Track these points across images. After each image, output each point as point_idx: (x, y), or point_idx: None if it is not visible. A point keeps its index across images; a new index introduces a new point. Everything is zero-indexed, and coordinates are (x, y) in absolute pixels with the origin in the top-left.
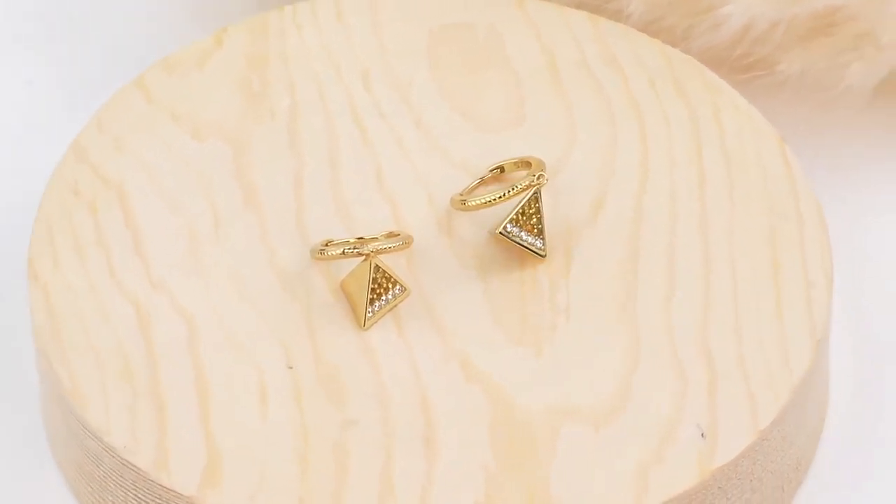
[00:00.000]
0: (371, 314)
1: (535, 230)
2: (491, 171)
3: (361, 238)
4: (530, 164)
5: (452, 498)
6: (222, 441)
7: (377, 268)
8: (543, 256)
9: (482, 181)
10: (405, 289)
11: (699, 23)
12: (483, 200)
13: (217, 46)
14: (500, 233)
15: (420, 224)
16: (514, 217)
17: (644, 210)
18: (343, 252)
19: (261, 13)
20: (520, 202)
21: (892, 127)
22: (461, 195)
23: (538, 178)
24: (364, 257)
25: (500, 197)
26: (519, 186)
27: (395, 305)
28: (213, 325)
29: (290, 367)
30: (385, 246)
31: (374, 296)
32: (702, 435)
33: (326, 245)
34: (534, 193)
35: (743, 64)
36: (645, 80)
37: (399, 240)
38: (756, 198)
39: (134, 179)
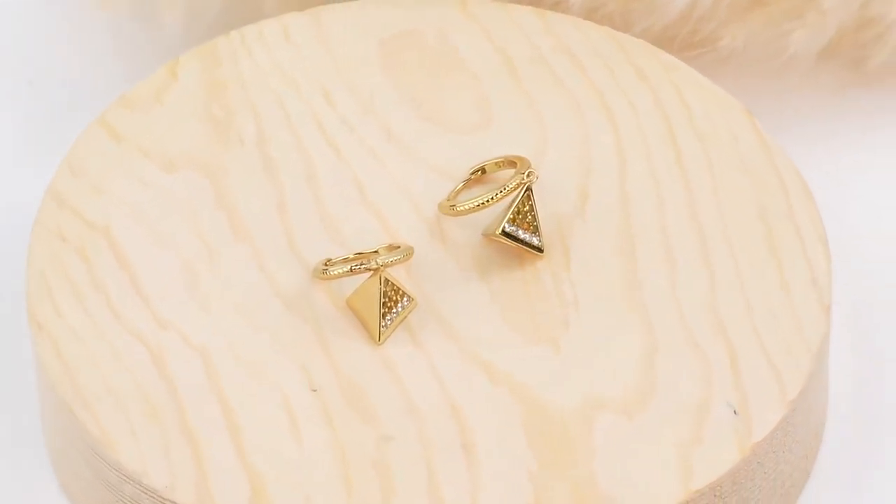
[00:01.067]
0: (385, 328)
1: (531, 227)
2: (472, 173)
3: (360, 253)
4: (514, 163)
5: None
6: (262, 470)
7: (386, 281)
8: (542, 252)
9: (465, 184)
10: (412, 299)
11: (640, 7)
12: (475, 204)
13: (172, 78)
14: (501, 233)
15: (411, 232)
16: (511, 216)
17: (629, 197)
18: (350, 269)
19: (209, 41)
20: (513, 201)
21: (837, 88)
22: (449, 200)
23: (528, 176)
24: (372, 272)
25: (492, 199)
26: (510, 186)
27: (405, 317)
28: (228, 355)
29: (315, 390)
30: (391, 259)
31: (386, 309)
32: (734, 412)
33: (327, 264)
34: (525, 191)
35: (686, 43)
36: (603, 68)
37: (402, 252)
38: (737, 173)
39: (118, 219)
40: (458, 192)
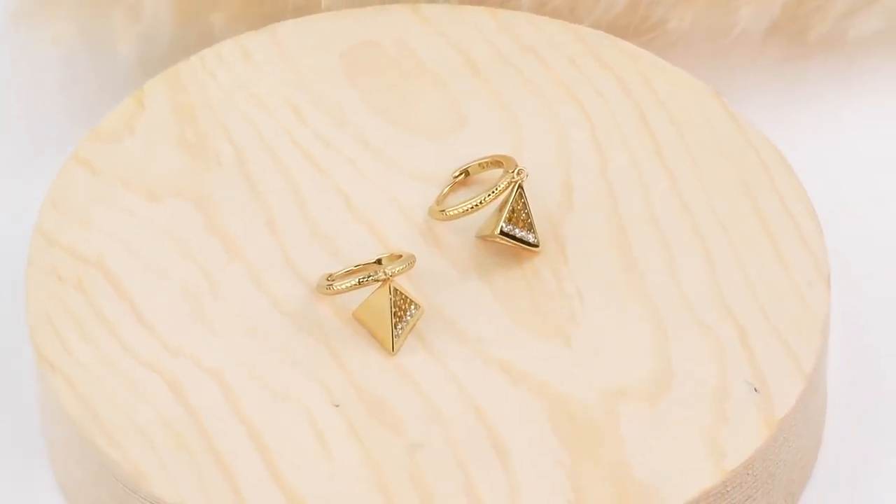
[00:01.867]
0: (397, 337)
1: (526, 225)
2: (455, 176)
3: (360, 265)
4: (499, 163)
5: (545, 501)
6: (300, 490)
7: (395, 291)
8: (538, 248)
9: (451, 188)
10: (419, 306)
11: None
12: (468, 207)
13: (139, 107)
14: (500, 233)
15: (403, 240)
16: (508, 216)
17: (613, 187)
18: (359, 282)
19: (170, 67)
20: (506, 201)
21: (783, 60)
22: (438, 205)
23: (518, 174)
24: (380, 283)
25: (484, 201)
26: (500, 186)
27: (414, 325)
28: (244, 377)
29: (337, 405)
30: (398, 268)
31: (397, 319)
32: (755, 390)
33: (331, 279)
34: (517, 189)
35: (638, 29)
36: (565, 61)
37: (406, 260)
38: (715, 154)
39: (110, 252)
40: (445, 196)
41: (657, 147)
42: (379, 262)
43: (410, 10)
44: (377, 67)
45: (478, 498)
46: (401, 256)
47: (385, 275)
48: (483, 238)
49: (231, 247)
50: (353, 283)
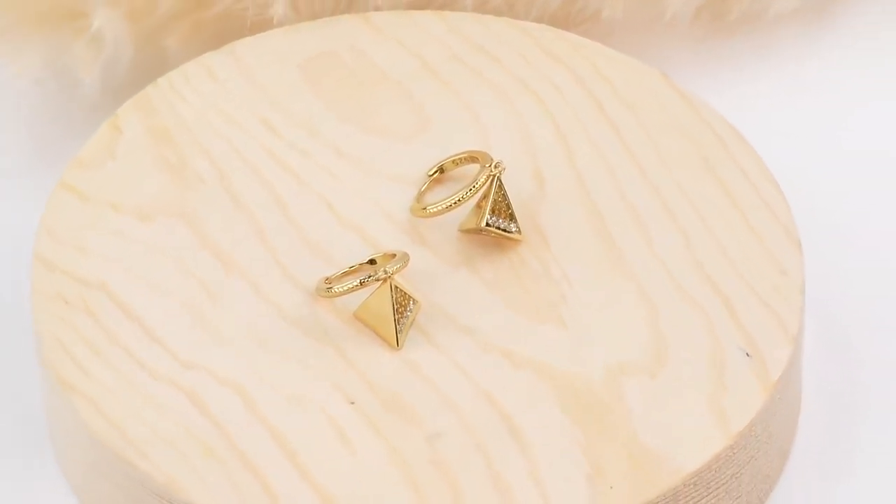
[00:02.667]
0: (401, 332)
1: (507, 215)
2: (430, 174)
3: (353, 267)
4: (475, 158)
5: (566, 477)
6: (331, 489)
7: (396, 288)
8: (520, 237)
9: (428, 186)
10: (417, 301)
11: None
12: (450, 203)
13: (116, 132)
14: (486, 226)
15: (391, 240)
16: (490, 208)
17: (582, 174)
18: (360, 283)
19: (140, 91)
20: (488, 193)
21: (706, 39)
22: (419, 203)
23: (496, 168)
24: (381, 282)
25: (464, 197)
26: (480, 181)
27: (413, 319)
28: (258, 385)
29: (353, 403)
30: (397, 266)
31: (399, 315)
32: (747, 355)
33: (329, 282)
34: (497, 182)
35: (576, 20)
36: (516, 57)
37: (401, 258)
38: (672, 133)
39: (111, 275)
40: (423, 193)
41: (617, 132)
42: (372, 261)
43: (361, 19)
44: (337, 77)
45: (501, 480)
46: (395, 255)
47: (385, 273)
48: (467, 231)
49: (225, 260)
50: (355, 283)
